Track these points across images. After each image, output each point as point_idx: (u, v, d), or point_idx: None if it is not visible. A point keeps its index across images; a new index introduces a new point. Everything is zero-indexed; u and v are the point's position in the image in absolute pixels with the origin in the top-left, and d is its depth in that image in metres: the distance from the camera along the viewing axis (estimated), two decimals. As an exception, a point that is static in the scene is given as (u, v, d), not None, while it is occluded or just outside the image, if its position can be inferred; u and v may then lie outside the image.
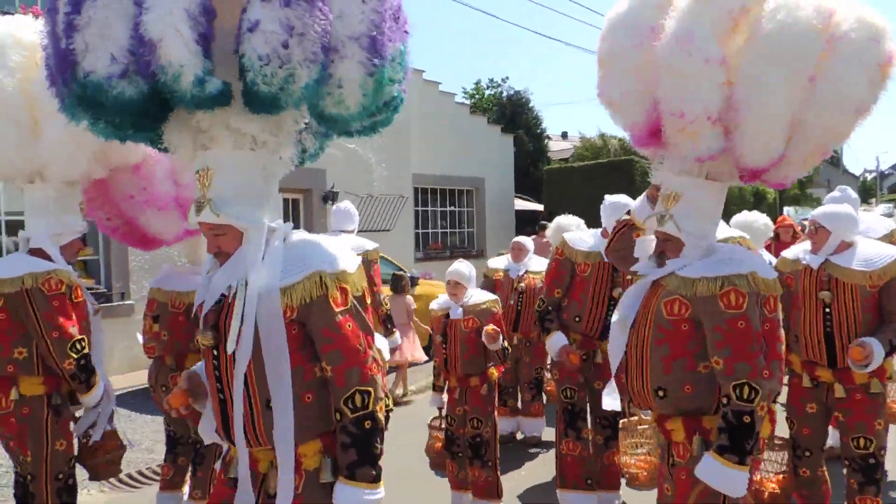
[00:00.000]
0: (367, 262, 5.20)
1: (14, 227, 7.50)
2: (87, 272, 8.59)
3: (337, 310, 2.03)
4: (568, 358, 4.17)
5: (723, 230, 4.07)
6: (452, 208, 15.65)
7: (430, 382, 4.86)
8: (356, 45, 1.95)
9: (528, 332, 5.77)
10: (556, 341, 4.25)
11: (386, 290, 7.46)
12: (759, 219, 4.97)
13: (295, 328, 2.03)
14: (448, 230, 15.60)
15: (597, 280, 4.21)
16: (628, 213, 2.97)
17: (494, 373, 4.35)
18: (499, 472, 4.34)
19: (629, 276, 3.00)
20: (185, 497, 4.07)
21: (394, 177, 12.70)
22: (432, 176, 14.56)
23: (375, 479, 1.99)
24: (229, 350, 2.03)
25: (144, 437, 5.93)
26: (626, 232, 2.92)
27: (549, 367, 5.35)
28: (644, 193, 2.85)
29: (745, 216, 4.99)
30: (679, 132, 2.31)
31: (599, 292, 4.22)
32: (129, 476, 5.49)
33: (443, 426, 4.47)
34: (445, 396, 4.49)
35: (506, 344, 4.23)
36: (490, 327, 4.13)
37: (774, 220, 7.90)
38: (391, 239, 12.13)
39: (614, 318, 2.67)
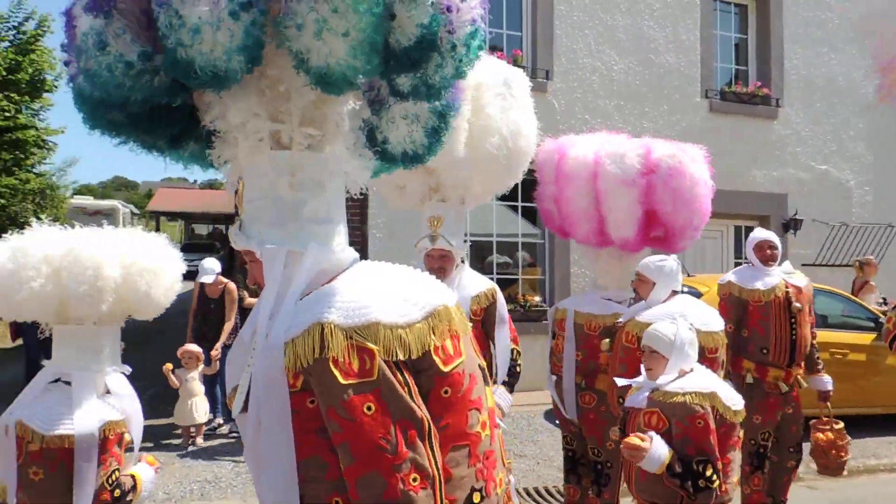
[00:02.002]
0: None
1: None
2: (533, 290, 9.26)
3: (344, 382, 1.39)
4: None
5: None
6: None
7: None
8: None
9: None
10: None
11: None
12: None
13: (312, 401, 1.45)
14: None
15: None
16: None
17: None
18: None
19: None
20: None
21: (880, 201, 10.50)
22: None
23: None
24: (233, 414, 1.64)
25: (557, 453, 5.87)
26: None
27: None
28: None
29: None
30: None
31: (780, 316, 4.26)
32: (537, 491, 5.51)
33: None
34: None
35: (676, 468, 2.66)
36: (632, 439, 2.65)
37: None
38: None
39: None
